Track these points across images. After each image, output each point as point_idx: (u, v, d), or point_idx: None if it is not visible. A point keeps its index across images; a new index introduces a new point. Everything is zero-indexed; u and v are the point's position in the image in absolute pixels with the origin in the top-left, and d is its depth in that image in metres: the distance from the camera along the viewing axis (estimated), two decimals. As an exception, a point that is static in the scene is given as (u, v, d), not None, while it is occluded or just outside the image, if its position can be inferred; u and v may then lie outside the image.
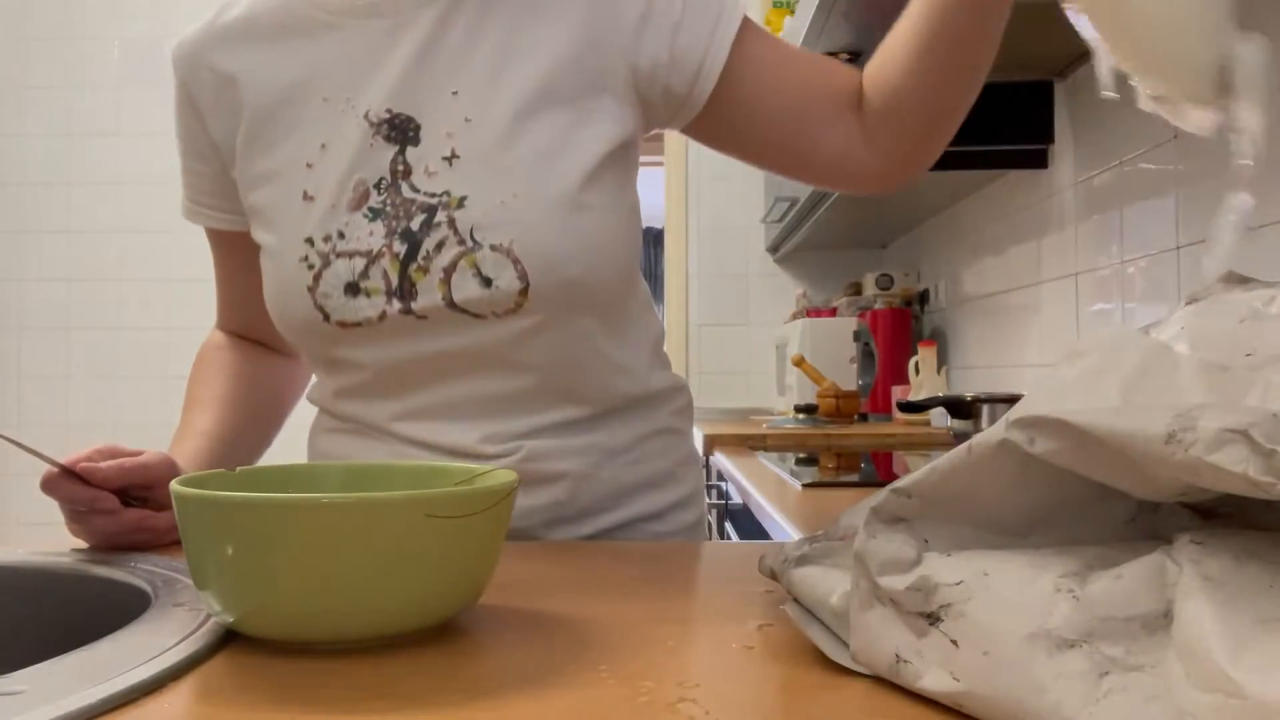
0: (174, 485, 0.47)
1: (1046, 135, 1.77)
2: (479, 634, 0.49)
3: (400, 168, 0.76)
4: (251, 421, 0.90)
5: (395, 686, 0.41)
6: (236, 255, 0.88)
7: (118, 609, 0.57)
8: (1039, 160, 1.81)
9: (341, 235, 0.76)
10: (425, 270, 0.75)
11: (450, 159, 0.76)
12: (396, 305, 0.75)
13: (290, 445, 0.96)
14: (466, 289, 0.74)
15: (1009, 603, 0.34)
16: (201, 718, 0.38)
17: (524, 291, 0.74)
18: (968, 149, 1.80)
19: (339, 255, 0.76)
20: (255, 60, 0.82)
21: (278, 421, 0.96)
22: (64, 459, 0.69)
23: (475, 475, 0.54)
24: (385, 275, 0.75)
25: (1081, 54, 1.61)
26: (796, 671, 0.41)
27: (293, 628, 0.45)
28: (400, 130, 0.77)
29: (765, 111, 0.80)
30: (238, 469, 0.56)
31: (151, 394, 3.30)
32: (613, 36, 0.78)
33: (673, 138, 3.20)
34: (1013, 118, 1.78)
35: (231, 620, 0.46)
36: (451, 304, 0.75)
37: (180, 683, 0.41)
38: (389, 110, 0.77)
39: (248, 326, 0.94)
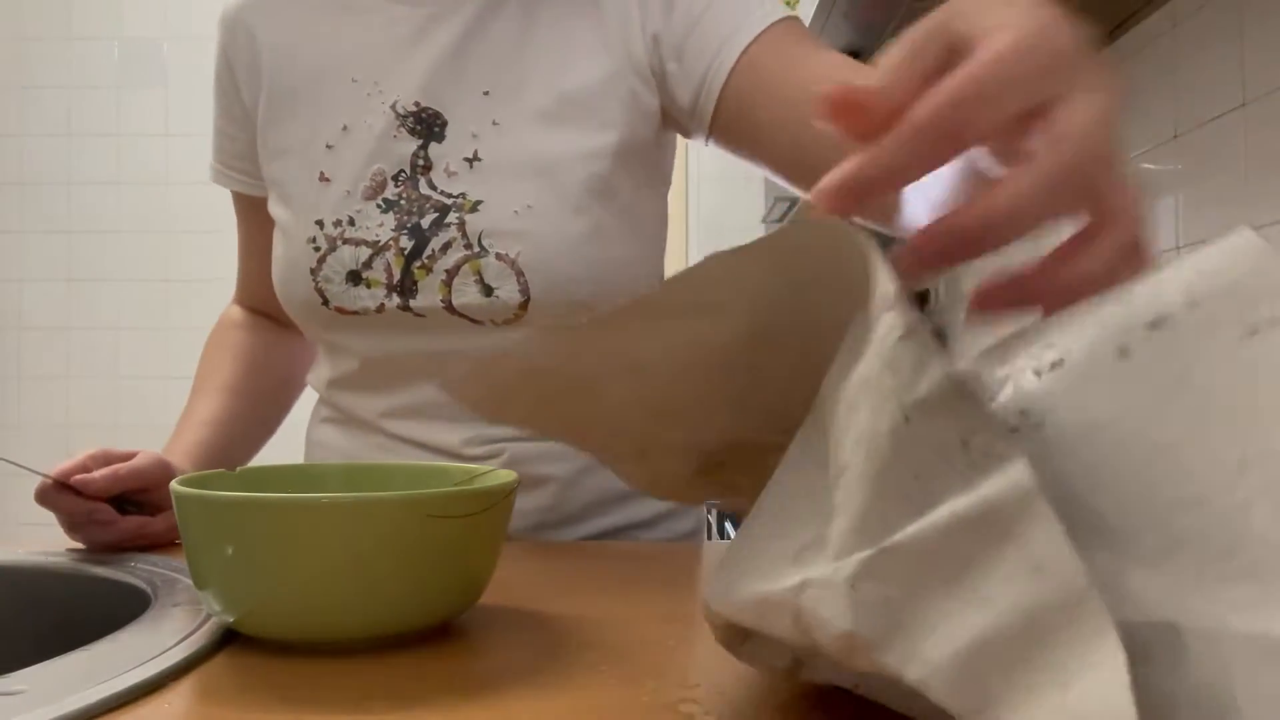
0: (174, 485, 0.47)
1: (1046, 135, 1.77)
2: (479, 634, 0.49)
3: (421, 162, 0.76)
4: (257, 407, 0.90)
5: (395, 686, 0.41)
6: (262, 224, 0.87)
7: (118, 609, 0.56)
8: (1039, 160, 1.81)
9: (352, 222, 0.76)
10: (428, 269, 0.74)
11: (472, 161, 0.75)
12: (396, 300, 0.75)
13: (290, 443, 0.96)
14: (467, 294, 0.74)
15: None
16: (201, 718, 0.38)
17: (524, 305, 0.73)
18: (968, 149, 1.79)
19: (346, 241, 0.76)
20: (289, 30, 0.82)
21: (286, 404, 0.95)
22: (58, 466, 0.68)
23: (475, 475, 0.54)
24: (388, 268, 0.75)
25: (1081, 54, 1.61)
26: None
27: (293, 628, 0.45)
28: (426, 125, 0.76)
29: (773, 129, 0.74)
30: (238, 469, 0.56)
31: (151, 394, 3.30)
32: (642, 37, 0.76)
33: (673, 138, 3.21)
34: (1013, 118, 1.78)
35: (231, 620, 0.46)
36: (450, 307, 0.74)
37: (180, 683, 0.41)
38: (417, 103, 0.76)
39: (265, 300, 0.93)
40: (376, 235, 0.75)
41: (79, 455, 0.70)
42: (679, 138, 0.85)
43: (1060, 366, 0.30)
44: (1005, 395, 0.30)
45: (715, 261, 0.34)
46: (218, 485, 0.52)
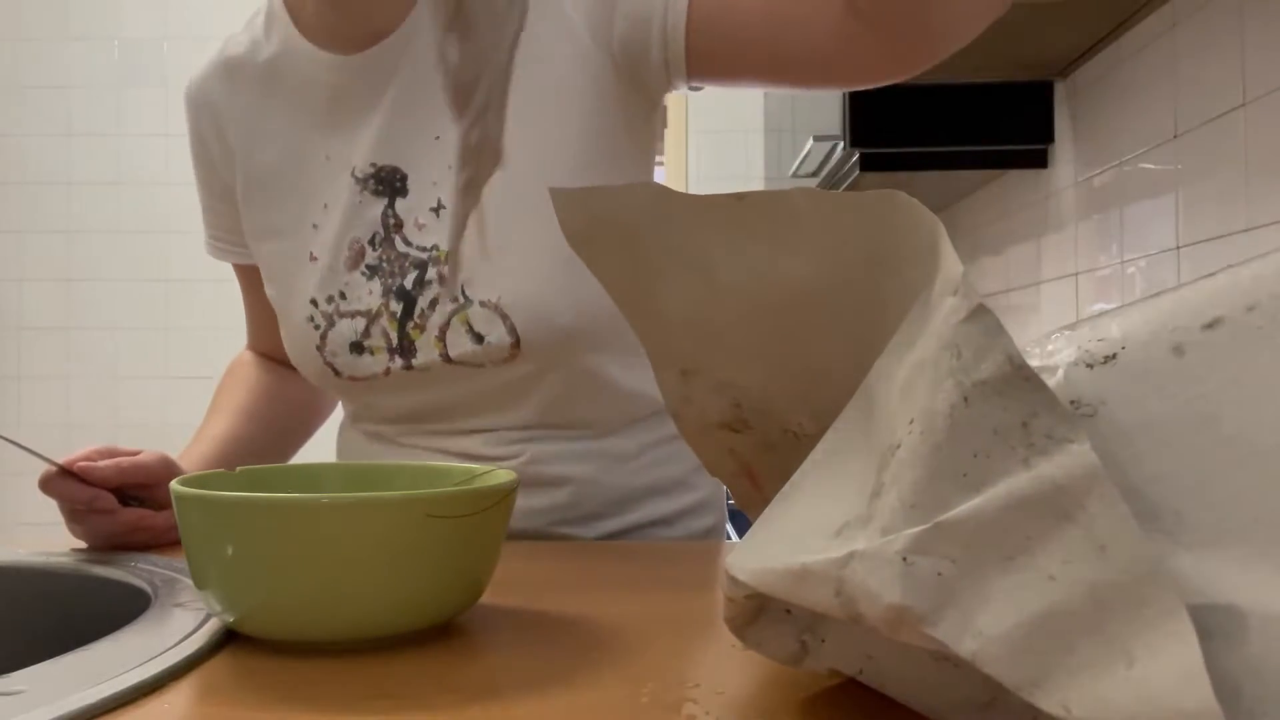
0: (174, 485, 0.47)
1: (1046, 135, 1.77)
2: (479, 634, 0.49)
3: (391, 221, 0.76)
4: (269, 432, 0.91)
5: (395, 686, 0.41)
6: (262, 290, 0.88)
7: (118, 609, 0.56)
8: (1039, 160, 1.81)
9: (343, 296, 0.77)
10: (421, 328, 0.75)
11: (437, 210, 0.75)
12: (399, 362, 0.77)
13: (315, 443, 0.97)
14: (460, 345, 0.75)
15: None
16: (201, 718, 0.38)
17: (516, 344, 0.74)
18: (967, 149, 1.80)
19: (342, 315, 0.77)
20: (250, 111, 0.82)
21: (300, 434, 0.96)
22: (62, 459, 0.69)
23: (475, 475, 0.54)
24: (385, 334, 0.76)
25: (1081, 54, 1.61)
26: (797, 671, 0.41)
27: (293, 628, 0.45)
28: (386, 183, 0.76)
29: (745, 36, 0.73)
30: (238, 469, 0.56)
31: (151, 394, 3.30)
32: (586, 42, 0.74)
33: (671, 139, 3.21)
34: (1013, 118, 1.78)
35: (231, 620, 0.46)
36: (448, 359, 0.75)
37: (180, 683, 0.41)
38: (373, 164, 0.76)
39: (277, 349, 0.93)
40: (368, 304, 0.77)
41: (84, 449, 0.70)
42: (654, 163, 0.85)
43: (1114, 361, 0.31)
44: (1054, 385, 0.31)
45: (802, 194, 0.35)
46: (218, 485, 0.52)
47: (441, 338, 0.75)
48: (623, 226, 0.40)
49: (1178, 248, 1.35)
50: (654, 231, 0.40)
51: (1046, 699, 0.25)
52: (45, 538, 0.73)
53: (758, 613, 0.36)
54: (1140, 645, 0.24)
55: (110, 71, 3.37)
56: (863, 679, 0.35)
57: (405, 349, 0.76)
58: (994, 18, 0.69)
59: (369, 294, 0.76)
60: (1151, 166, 1.42)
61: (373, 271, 0.76)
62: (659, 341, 0.43)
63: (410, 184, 0.76)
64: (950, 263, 0.29)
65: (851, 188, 2.04)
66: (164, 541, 0.71)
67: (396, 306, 0.76)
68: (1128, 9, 1.42)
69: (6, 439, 0.70)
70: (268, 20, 0.82)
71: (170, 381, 3.29)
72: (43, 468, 0.69)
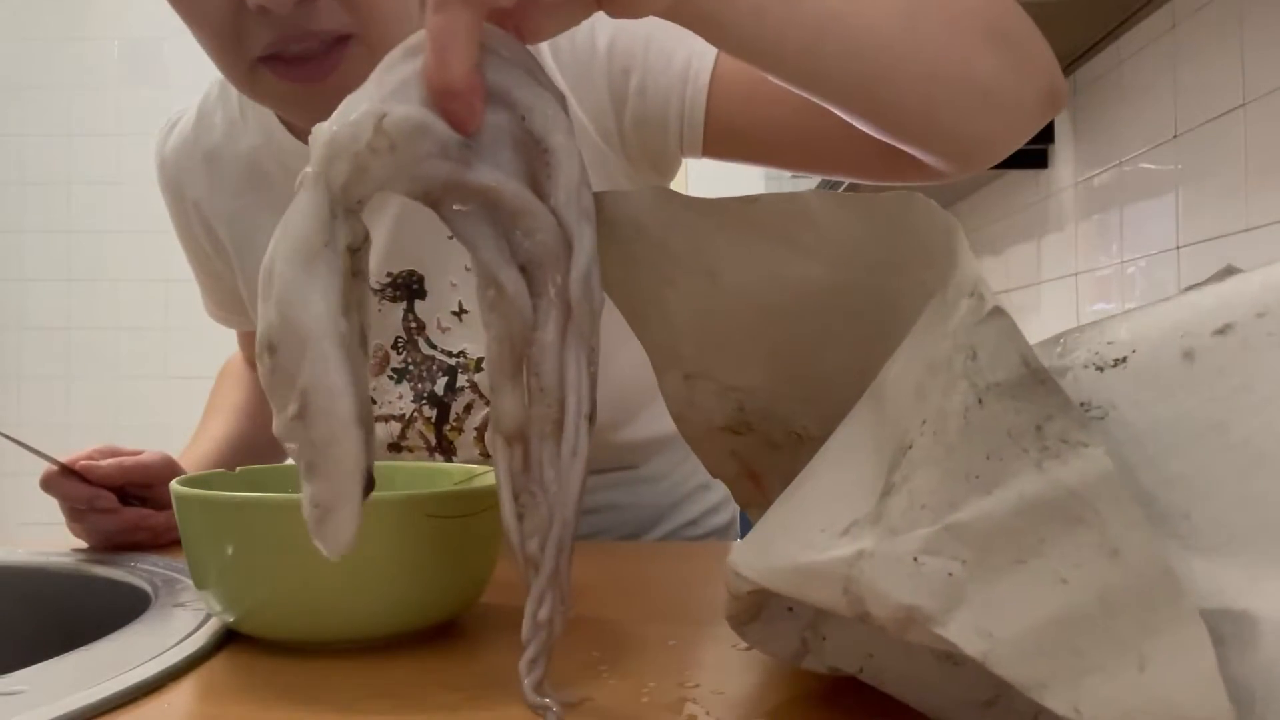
0: (174, 485, 0.47)
1: (1046, 135, 1.77)
2: (479, 634, 0.49)
3: (413, 324, 0.75)
4: (267, 429, 0.91)
5: (395, 686, 0.41)
6: None
7: (118, 609, 0.56)
8: (1039, 160, 1.81)
9: (373, 400, 0.75)
10: (459, 430, 0.75)
11: (460, 314, 0.73)
12: (439, 458, 0.77)
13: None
14: None
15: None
16: (202, 717, 0.38)
17: None
18: (968, 149, 1.80)
19: (375, 420, 0.76)
20: (244, 209, 0.77)
21: None
22: (64, 458, 0.69)
23: (475, 475, 0.54)
24: (422, 435, 0.76)
25: (1081, 54, 1.61)
26: (797, 671, 0.41)
27: (293, 628, 0.45)
28: (404, 287, 0.74)
29: (773, 132, 0.68)
30: (238, 469, 0.56)
31: (151, 394, 3.30)
32: (597, 143, 0.70)
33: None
34: (1013, 118, 1.78)
35: (231, 620, 0.46)
36: (488, 456, 0.75)
37: (180, 683, 0.41)
38: (388, 274, 0.74)
39: None
40: (400, 409, 0.76)
41: (86, 449, 0.70)
42: None
43: (1124, 364, 0.31)
44: (1064, 386, 0.31)
45: (816, 197, 0.35)
46: (218, 485, 0.52)
47: (480, 438, 0.75)
48: (627, 230, 0.40)
49: (1178, 248, 1.35)
50: (660, 235, 0.39)
51: (1057, 701, 0.25)
52: (45, 538, 0.73)
53: (759, 610, 0.36)
54: (1152, 649, 0.24)
55: (110, 71, 3.36)
56: (863, 677, 0.35)
57: (444, 448, 0.76)
58: (1033, 117, 0.61)
59: (399, 398, 0.75)
60: (1151, 166, 1.42)
61: (400, 375, 0.75)
62: (662, 345, 0.43)
63: (428, 285, 0.74)
64: (967, 264, 0.29)
65: (851, 188, 2.04)
66: (164, 541, 0.71)
67: (430, 412, 0.75)
68: (1128, 9, 1.42)
69: (8, 437, 0.71)
70: (243, 99, 0.76)
71: (170, 381, 3.28)
72: (44, 467, 0.69)
